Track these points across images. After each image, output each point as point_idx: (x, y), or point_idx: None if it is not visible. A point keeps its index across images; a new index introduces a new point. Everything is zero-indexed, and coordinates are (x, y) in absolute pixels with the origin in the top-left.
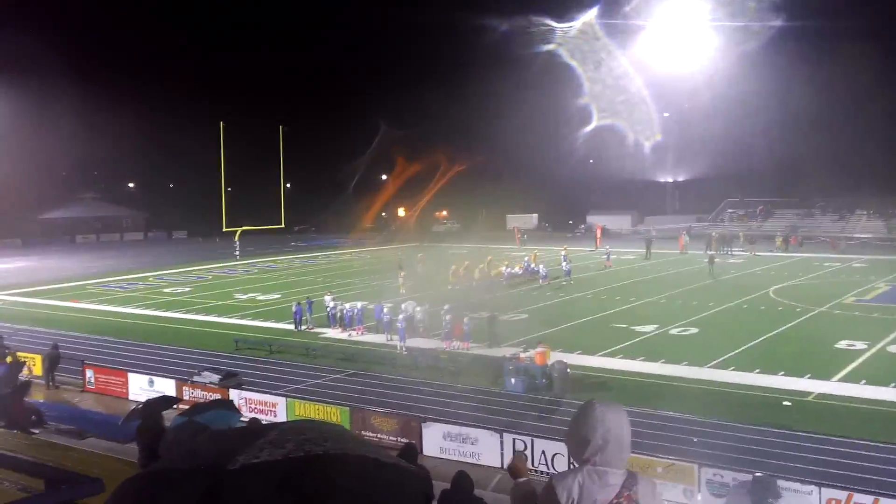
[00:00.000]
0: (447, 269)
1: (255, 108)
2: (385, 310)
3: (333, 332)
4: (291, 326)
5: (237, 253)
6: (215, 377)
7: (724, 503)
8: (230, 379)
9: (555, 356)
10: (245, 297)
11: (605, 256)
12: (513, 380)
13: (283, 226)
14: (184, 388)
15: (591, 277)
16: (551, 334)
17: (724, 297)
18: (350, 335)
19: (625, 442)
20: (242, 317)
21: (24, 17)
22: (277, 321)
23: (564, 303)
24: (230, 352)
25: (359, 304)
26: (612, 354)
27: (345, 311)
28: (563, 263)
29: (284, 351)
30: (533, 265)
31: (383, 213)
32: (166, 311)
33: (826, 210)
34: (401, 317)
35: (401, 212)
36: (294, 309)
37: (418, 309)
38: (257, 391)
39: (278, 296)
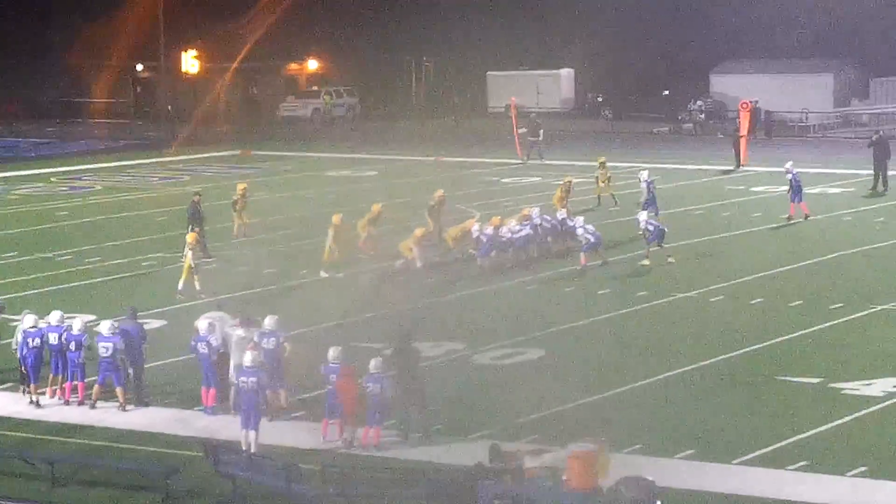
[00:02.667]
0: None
1: None
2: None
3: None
4: None
5: None
6: None
7: None
8: None
9: (621, 464)
10: None
11: (791, 191)
12: None
13: None
14: None
15: (736, 245)
16: (605, 407)
17: None
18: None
19: None
20: None
21: None
22: None
23: (653, 316)
24: None
25: (75, 325)
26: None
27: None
28: (644, 212)
29: None
30: (562, 214)
31: (139, 69)
32: None
33: None
34: (202, 348)
35: (189, 65)
36: None
37: (237, 332)
38: None
39: None
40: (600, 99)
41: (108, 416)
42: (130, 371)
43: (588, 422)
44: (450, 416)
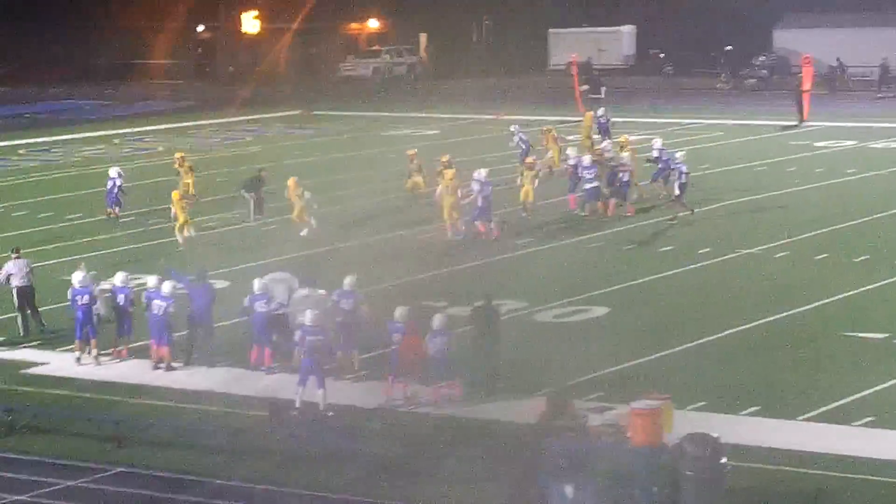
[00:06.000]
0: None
1: None
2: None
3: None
4: None
5: None
6: None
7: None
8: None
9: (685, 421)
10: None
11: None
12: (570, 490)
13: None
14: None
15: (800, 200)
16: (672, 366)
17: None
18: (97, 359)
19: None
20: None
21: None
22: None
23: (717, 273)
24: None
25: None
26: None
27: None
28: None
29: None
30: (623, 157)
31: (200, 30)
32: None
33: None
34: (259, 307)
35: (250, 25)
36: None
37: (301, 292)
38: None
39: None
40: (662, 55)
41: (172, 376)
42: (198, 331)
43: (652, 379)
44: (513, 374)
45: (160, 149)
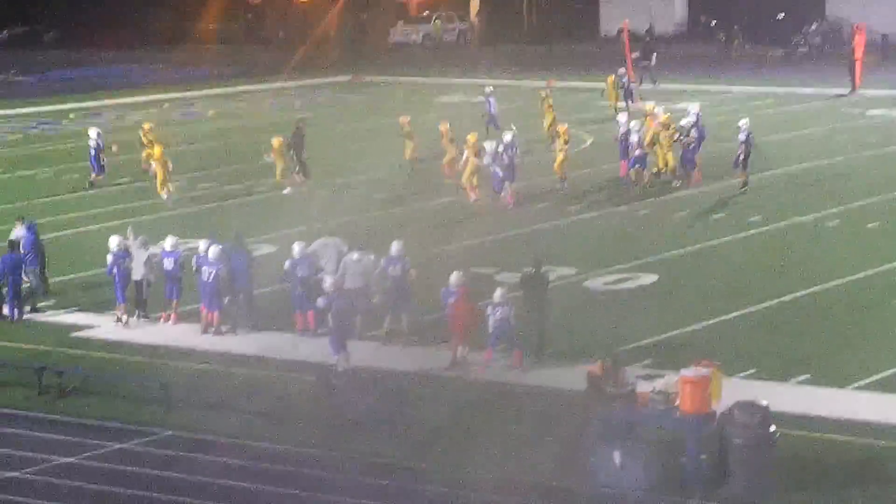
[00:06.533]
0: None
1: None
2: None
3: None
4: None
5: None
6: None
7: None
8: None
9: (734, 389)
10: None
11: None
12: (617, 456)
13: None
14: None
15: (852, 169)
16: (721, 334)
17: None
18: (140, 320)
19: None
20: None
21: None
22: None
23: (767, 241)
24: None
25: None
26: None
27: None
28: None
29: None
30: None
31: None
32: None
33: None
34: (297, 270)
35: None
36: None
37: (352, 256)
38: None
39: None
40: (714, 23)
41: (219, 340)
42: (240, 296)
43: (701, 346)
44: (562, 340)
45: (210, 113)
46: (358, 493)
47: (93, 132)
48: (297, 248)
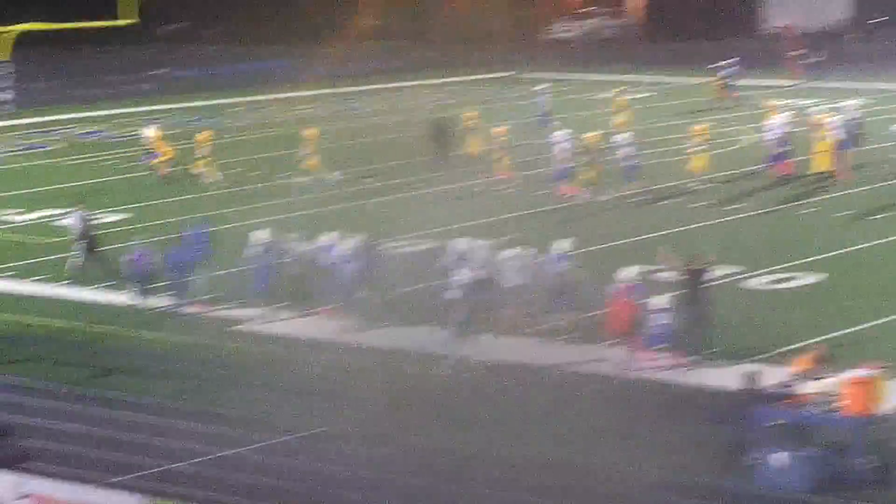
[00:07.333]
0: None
1: None
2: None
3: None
4: (123, 297)
5: (5, 98)
6: None
7: None
8: None
9: None
10: None
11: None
12: (774, 459)
13: (134, 20)
14: None
15: None
16: (888, 334)
17: None
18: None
19: None
20: None
21: None
22: (78, 284)
23: None
24: None
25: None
26: None
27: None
28: None
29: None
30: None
31: None
32: None
33: None
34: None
35: None
36: (134, 256)
37: (507, 253)
38: None
39: (100, 214)
40: (878, 20)
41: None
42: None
43: (867, 347)
44: (724, 339)
45: (369, 109)
46: (528, 492)
47: (150, 130)
48: (454, 245)
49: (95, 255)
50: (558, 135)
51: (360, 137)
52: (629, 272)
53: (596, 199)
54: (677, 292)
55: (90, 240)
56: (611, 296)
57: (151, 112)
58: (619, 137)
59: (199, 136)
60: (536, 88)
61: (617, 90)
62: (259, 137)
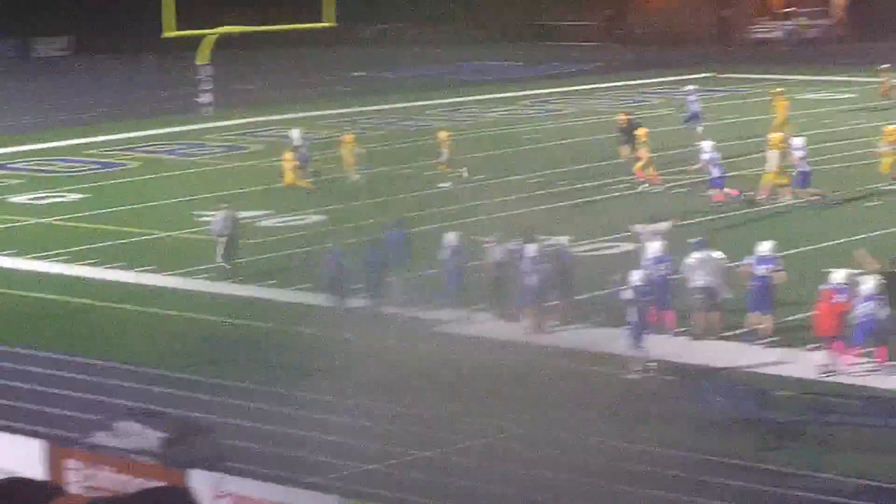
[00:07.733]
0: None
1: None
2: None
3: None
4: (319, 299)
5: (206, 100)
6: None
7: None
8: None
9: None
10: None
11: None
12: None
13: (331, 23)
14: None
15: None
16: None
17: None
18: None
19: None
20: (194, 273)
21: None
22: (285, 285)
23: None
24: (173, 369)
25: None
26: None
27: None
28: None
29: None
30: None
31: None
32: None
33: None
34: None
35: None
36: (329, 257)
37: (694, 255)
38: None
39: (296, 217)
40: None
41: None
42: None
43: None
44: None
45: (565, 111)
46: (712, 495)
47: (295, 133)
48: (651, 246)
49: (232, 255)
50: (705, 144)
51: (556, 138)
52: (838, 275)
53: (778, 201)
54: (880, 295)
55: (230, 239)
56: (818, 298)
57: (362, 112)
58: (795, 141)
59: (441, 135)
60: (685, 89)
61: (775, 90)
62: (457, 140)
